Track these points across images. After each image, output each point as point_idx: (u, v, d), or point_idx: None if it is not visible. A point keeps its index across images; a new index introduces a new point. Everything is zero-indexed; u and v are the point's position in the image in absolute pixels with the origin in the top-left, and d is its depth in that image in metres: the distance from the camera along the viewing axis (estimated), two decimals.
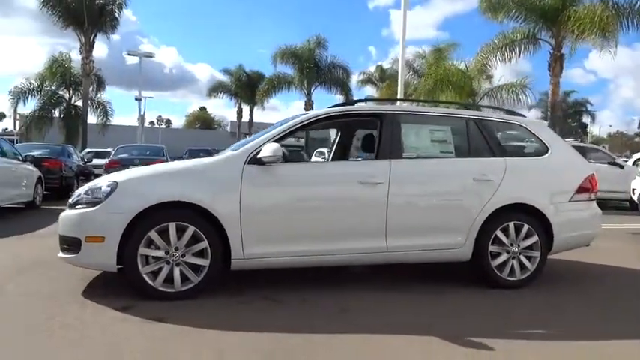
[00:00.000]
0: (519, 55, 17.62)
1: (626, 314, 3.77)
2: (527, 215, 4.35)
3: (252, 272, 4.19)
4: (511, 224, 4.29)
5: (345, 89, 29.28)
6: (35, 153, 12.11)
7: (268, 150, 3.78)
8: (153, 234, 3.63)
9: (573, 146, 13.08)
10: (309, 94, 29.31)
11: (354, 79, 33.79)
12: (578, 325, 3.46)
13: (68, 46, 32.98)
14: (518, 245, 4.31)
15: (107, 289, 3.91)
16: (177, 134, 52.36)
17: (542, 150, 4.60)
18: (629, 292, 4.51)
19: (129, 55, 26.30)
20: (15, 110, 34.20)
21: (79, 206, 3.79)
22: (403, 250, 4.09)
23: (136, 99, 28.15)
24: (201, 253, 3.72)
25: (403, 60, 15.03)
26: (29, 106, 28.27)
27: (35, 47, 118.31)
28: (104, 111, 28.76)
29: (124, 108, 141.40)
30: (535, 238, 4.34)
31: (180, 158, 17.53)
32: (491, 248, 4.26)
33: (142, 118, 32.05)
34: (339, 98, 28.91)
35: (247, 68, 38.12)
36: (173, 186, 3.76)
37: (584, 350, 3.00)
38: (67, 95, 28.43)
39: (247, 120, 40.74)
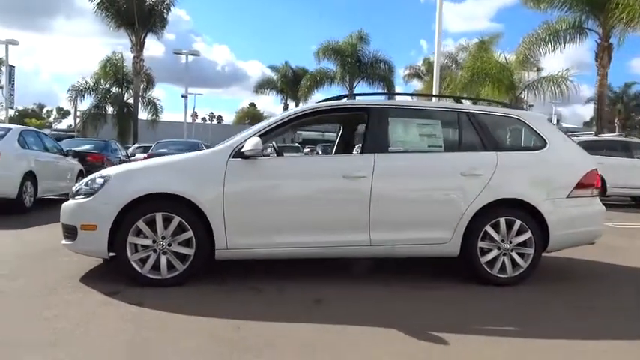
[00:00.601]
0: (564, 46, 16.87)
1: (610, 313, 3.64)
2: (520, 211, 4.25)
3: (238, 261, 4.34)
4: (502, 220, 4.21)
5: (387, 84, 29.06)
6: (81, 148, 12.90)
7: (250, 144, 3.90)
8: (141, 224, 3.83)
9: (618, 141, 12.52)
10: (351, 89, 29.28)
11: (402, 73, 33.56)
12: (555, 323, 3.37)
13: (127, 46, 34.13)
14: (510, 242, 4.22)
15: (104, 275, 4.16)
16: (226, 130, 53.54)
17: (540, 144, 4.47)
18: (622, 290, 4.33)
19: (175, 53, 27.28)
20: (75, 108, 36.26)
21: (79, 197, 4.05)
22: (387, 244, 4.11)
23: (182, 96, 29.17)
24: (186, 243, 3.89)
25: (439, 55, 14.81)
26: (86, 104, 30.00)
27: (97, 47, 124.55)
28: (154, 108, 30.02)
29: (178, 104, 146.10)
30: (528, 234, 4.23)
31: None
32: (481, 244, 4.20)
33: (194, 114, 33.28)
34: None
35: (294, 65, 38.64)
36: (160, 179, 3.96)
37: (550, 347, 2.94)
38: (119, 93, 29.90)
39: None
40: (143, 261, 3.87)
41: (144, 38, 27.96)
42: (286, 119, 4.23)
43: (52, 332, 2.92)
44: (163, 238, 3.86)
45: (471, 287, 4.15)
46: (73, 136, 28.20)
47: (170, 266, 3.89)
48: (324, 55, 28.36)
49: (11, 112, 61.64)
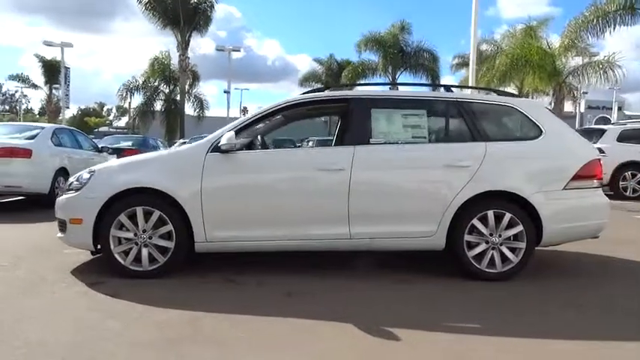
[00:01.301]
0: (614, 28, 15.80)
1: (597, 311, 3.40)
2: (510, 203, 4.06)
3: (223, 254, 4.37)
4: (490, 213, 4.03)
5: (431, 74, 28.43)
6: (119, 144, 13.46)
7: (224, 138, 3.93)
8: (122, 217, 3.95)
9: None
10: (394, 80, 28.85)
11: (450, 62, 32.76)
12: (532, 320, 3.20)
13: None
14: (500, 235, 4.04)
15: (94, 267, 4.28)
16: None
17: (535, 133, 4.23)
18: (621, 286, 4.05)
19: (218, 50, 27.85)
20: (129, 105, 37.82)
21: (70, 191, 4.22)
22: (367, 238, 4.03)
23: (224, 92, 29.75)
24: (167, 236, 3.97)
25: (475, 41, 14.30)
26: (137, 102, 31.27)
27: (154, 46, 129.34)
28: (200, 103, 30.83)
29: (233, 99, 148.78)
30: (519, 227, 4.03)
31: None
32: (468, 238, 4.04)
33: (244, 109, 33.92)
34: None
35: (339, 57, 38.41)
36: (140, 173, 4.06)
37: (509, 346, 2.79)
38: (167, 90, 30.95)
39: None
40: (126, 253, 3.98)
41: (189, 37, 28.73)
42: (264, 113, 4.23)
43: (18, 317, 3.08)
44: (144, 231, 3.97)
45: (458, 282, 4.01)
46: (127, 133, 29.52)
47: (152, 259, 3.98)
48: (366, 46, 28.09)
49: (74, 110, 64.90)
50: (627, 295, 3.84)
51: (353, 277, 4.14)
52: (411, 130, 4.21)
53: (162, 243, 3.98)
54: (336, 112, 4.74)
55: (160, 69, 29.95)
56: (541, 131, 4.21)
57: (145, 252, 3.97)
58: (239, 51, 28.93)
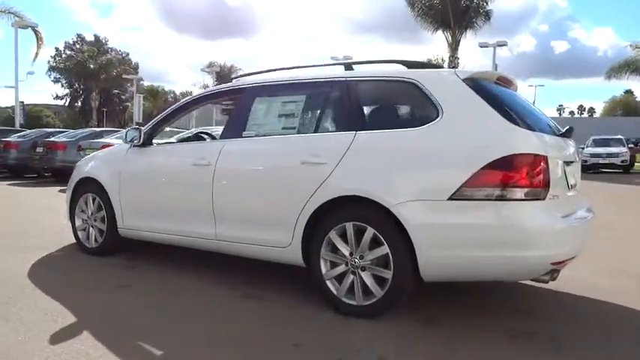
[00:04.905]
0: None
1: None
2: (375, 214, 2.98)
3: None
4: (349, 225, 3.06)
5: None
6: None
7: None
8: (81, 202, 4.71)
9: None
10: None
11: None
12: None
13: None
14: (361, 256, 3.02)
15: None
16: (585, 122, 47.70)
17: (429, 116, 2.95)
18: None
19: (481, 47, 26.20)
20: None
21: None
22: (231, 241, 3.64)
23: None
24: (103, 220, 4.53)
25: None
26: None
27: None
28: None
29: (548, 97, 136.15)
30: (384, 249, 2.93)
31: None
32: (326, 255, 3.17)
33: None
34: None
35: None
36: (91, 166, 4.73)
37: None
38: None
39: None
40: (83, 231, 4.72)
41: (460, 36, 28.27)
42: (173, 110, 4.31)
43: None
44: (92, 214, 4.62)
45: (309, 310, 3.20)
46: None
47: (96, 239, 4.60)
48: None
49: None
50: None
51: (208, 285, 3.77)
52: (284, 120, 3.55)
53: (100, 226, 4.55)
54: (233, 103, 4.32)
55: None
56: (437, 113, 2.91)
57: (92, 232, 4.62)
58: (505, 45, 26.52)
